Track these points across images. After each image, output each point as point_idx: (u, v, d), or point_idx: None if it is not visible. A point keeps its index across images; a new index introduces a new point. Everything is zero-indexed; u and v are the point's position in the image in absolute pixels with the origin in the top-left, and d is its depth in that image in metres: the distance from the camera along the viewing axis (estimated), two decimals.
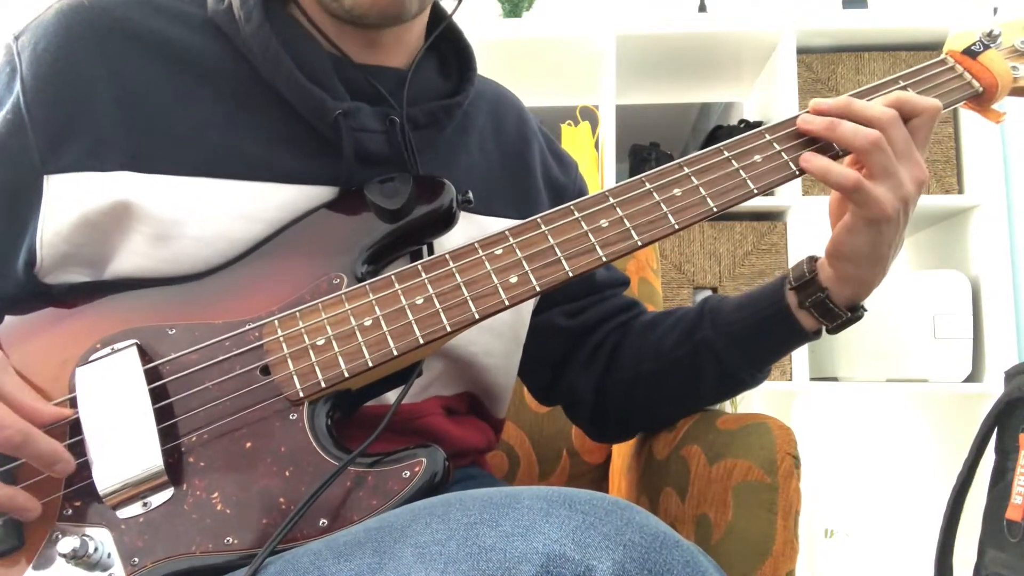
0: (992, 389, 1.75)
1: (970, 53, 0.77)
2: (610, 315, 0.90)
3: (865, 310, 0.75)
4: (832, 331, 0.76)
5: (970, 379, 1.78)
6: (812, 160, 0.68)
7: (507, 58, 2.06)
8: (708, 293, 1.93)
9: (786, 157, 0.70)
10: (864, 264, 0.71)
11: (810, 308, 0.74)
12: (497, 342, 0.79)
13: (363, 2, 0.69)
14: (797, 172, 0.70)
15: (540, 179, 0.87)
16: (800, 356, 1.83)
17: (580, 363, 0.89)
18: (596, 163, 2.07)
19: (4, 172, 0.67)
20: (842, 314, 0.74)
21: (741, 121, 2.12)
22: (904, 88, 0.73)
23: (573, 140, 2.11)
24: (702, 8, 2.12)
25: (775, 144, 0.71)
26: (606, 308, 0.90)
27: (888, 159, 0.66)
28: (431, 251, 0.71)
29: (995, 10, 1.84)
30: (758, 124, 2.05)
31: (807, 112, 0.71)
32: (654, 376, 0.84)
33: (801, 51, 1.92)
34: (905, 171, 0.67)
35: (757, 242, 1.92)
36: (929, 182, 0.69)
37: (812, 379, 1.86)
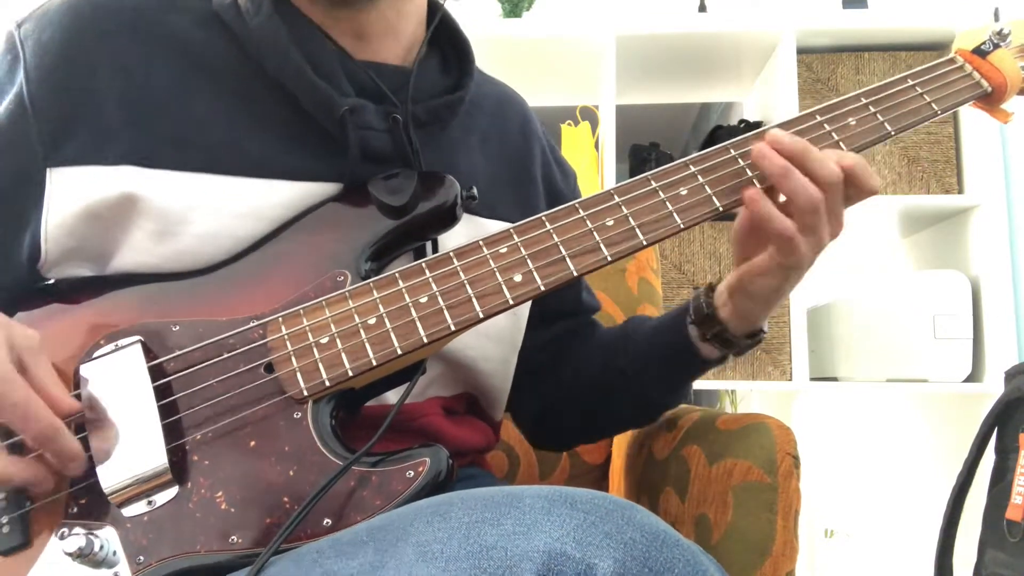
0: (992, 389, 1.75)
1: (979, 52, 0.76)
2: (565, 336, 0.91)
3: (765, 333, 0.78)
4: (735, 355, 0.79)
5: (970, 379, 1.78)
6: (758, 201, 0.68)
7: (507, 58, 2.06)
8: None
9: None
10: (766, 303, 0.73)
11: (711, 340, 0.77)
12: (495, 348, 0.80)
13: None
14: None
15: (540, 183, 0.87)
16: (800, 356, 1.83)
17: (529, 379, 0.89)
18: (596, 163, 2.07)
19: (5, 163, 0.66)
20: (739, 342, 0.76)
21: (741, 121, 2.12)
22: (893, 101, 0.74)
23: (573, 140, 2.11)
24: (702, 8, 2.12)
25: None
26: (566, 328, 0.91)
27: (819, 220, 0.67)
28: (435, 248, 0.71)
29: (996, 10, 1.84)
30: (758, 124, 2.06)
31: (764, 144, 0.68)
32: (580, 400, 0.88)
33: (801, 51, 1.92)
34: (827, 228, 0.68)
35: None
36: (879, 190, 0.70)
37: (812, 379, 1.86)
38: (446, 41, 0.83)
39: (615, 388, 0.85)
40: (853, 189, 0.68)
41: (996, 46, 0.76)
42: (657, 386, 0.84)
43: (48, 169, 0.65)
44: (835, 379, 2.05)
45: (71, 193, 0.65)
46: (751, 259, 0.72)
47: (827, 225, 0.68)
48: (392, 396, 0.69)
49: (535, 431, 0.96)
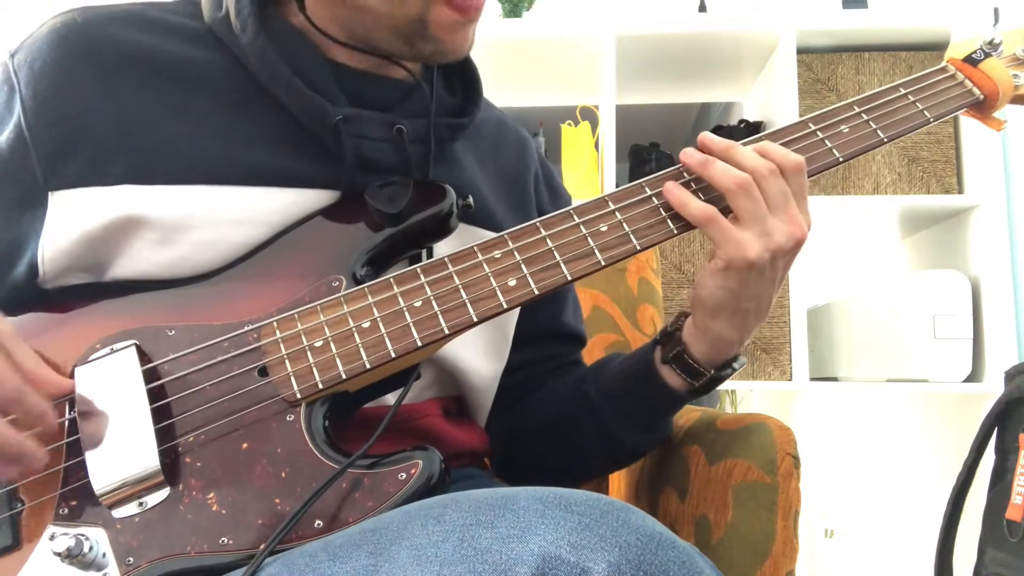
0: (992, 389, 1.75)
1: (971, 61, 0.77)
2: (534, 363, 0.88)
3: (733, 370, 0.73)
4: (697, 392, 0.73)
5: (970, 379, 1.78)
6: (673, 191, 0.68)
7: (507, 58, 2.06)
8: None
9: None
10: (722, 316, 0.69)
11: (671, 362, 0.73)
12: (484, 363, 0.80)
13: (448, 49, 0.70)
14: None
15: (534, 204, 0.87)
16: (800, 356, 1.83)
17: (501, 407, 0.86)
18: (596, 163, 2.07)
19: (8, 190, 0.67)
20: (704, 371, 0.72)
21: (741, 121, 2.12)
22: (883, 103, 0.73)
23: (573, 140, 2.11)
24: (702, 8, 2.12)
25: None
26: (534, 355, 0.88)
27: (755, 205, 0.65)
28: (431, 256, 0.71)
29: (995, 10, 1.83)
30: (758, 124, 2.05)
31: (697, 141, 0.69)
32: (544, 429, 0.83)
33: (801, 51, 1.92)
34: (778, 223, 0.66)
35: None
36: (805, 240, 0.67)
37: (812, 379, 1.86)
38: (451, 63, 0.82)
39: (580, 419, 0.80)
40: (785, 174, 0.67)
41: (987, 55, 0.77)
42: (622, 419, 0.78)
43: (50, 193, 0.66)
44: (835, 379, 2.05)
45: (71, 215, 0.66)
46: None
47: (774, 218, 0.66)
48: (391, 397, 0.69)
49: (502, 461, 0.91)
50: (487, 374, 0.81)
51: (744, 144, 0.69)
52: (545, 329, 0.88)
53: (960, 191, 1.90)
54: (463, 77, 0.83)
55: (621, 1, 2.27)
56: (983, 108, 0.78)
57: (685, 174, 0.70)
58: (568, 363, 0.90)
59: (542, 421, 0.84)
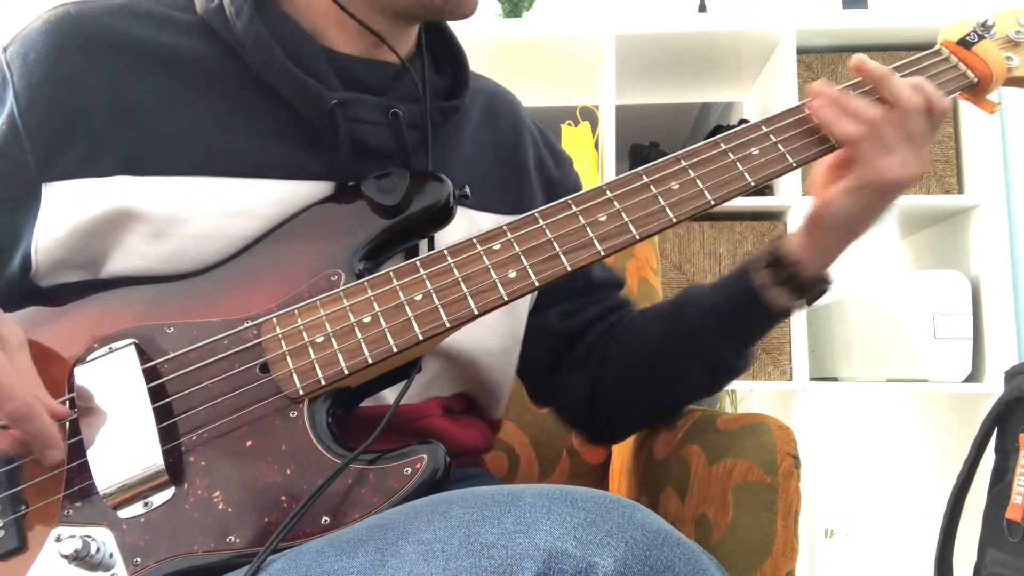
0: (992, 389, 1.75)
1: (964, 43, 0.77)
2: (603, 316, 0.90)
3: (831, 282, 0.77)
4: (805, 304, 0.77)
5: (970, 379, 1.78)
6: (820, 108, 0.71)
7: (507, 58, 2.06)
8: None
9: (783, 149, 0.71)
10: (839, 231, 0.73)
11: (784, 283, 0.75)
12: (495, 340, 0.79)
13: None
14: (794, 164, 0.70)
15: (533, 172, 0.87)
16: (800, 356, 1.83)
17: (573, 364, 0.88)
18: (596, 163, 2.07)
19: (1, 182, 0.67)
20: (811, 286, 0.75)
21: (741, 121, 2.12)
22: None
23: (573, 140, 2.11)
24: (702, 8, 2.12)
25: (772, 136, 0.71)
26: (599, 309, 0.90)
27: (896, 134, 0.69)
28: (432, 246, 0.71)
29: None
30: None
31: (852, 61, 0.73)
32: (641, 366, 0.84)
33: (801, 51, 1.92)
34: (912, 155, 0.69)
35: (757, 242, 1.92)
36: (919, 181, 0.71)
37: (812, 379, 1.86)
38: (437, 44, 0.82)
39: (682, 352, 0.81)
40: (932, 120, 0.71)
41: (981, 37, 0.77)
42: (724, 343, 0.80)
43: (44, 184, 0.66)
44: (835, 379, 2.05)
45: (64, 207, 0.65)
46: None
47: (909, 150, 0.69)
48: (390, 395, 0.69)
49: (591, 422, 0.91)
50: (500, 353, 0.80)
51: (862, 59, 0.72)
52: (583, 283, 0.89)
53: (960, 191, 1.90)
54: (450, 58, 0.83)
55: (621, 1, 2.27)
56: (977, 91, 0.78)
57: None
58: (621, 304, 0.91)
59: (635, 362, 0.84)
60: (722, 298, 0.79)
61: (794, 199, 1.86)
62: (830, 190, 0.71)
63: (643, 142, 2.20)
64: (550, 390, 0.92)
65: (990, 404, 0.83)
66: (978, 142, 1.85)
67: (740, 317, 0.78)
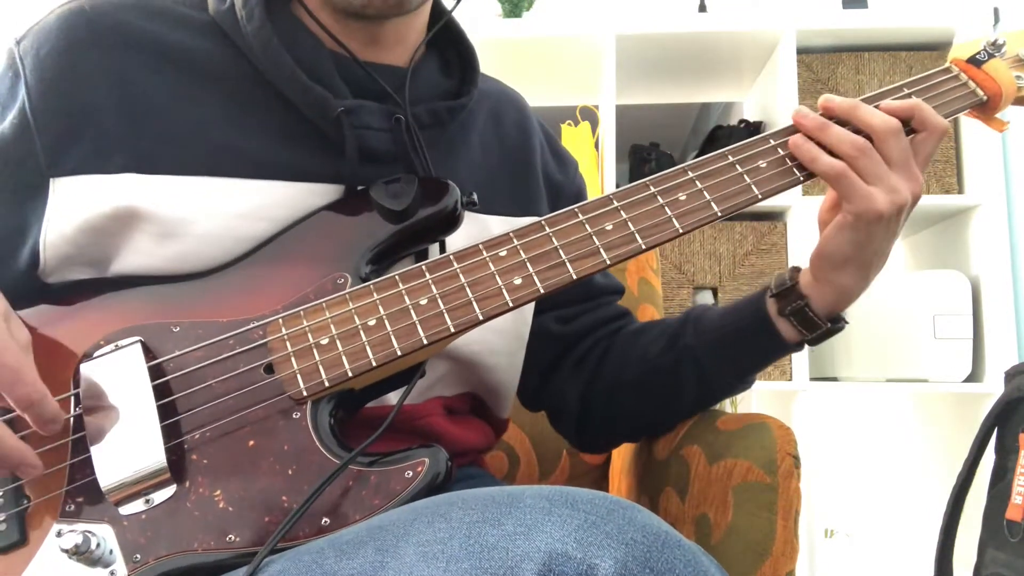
0: (992, 389, 1.75)
1: (974, 62, 0.77)
2: (601, 323, 0.90)
3: (846, 322, 0.75)
4: (812, 342, 0.76)
5: (970, 379, 1.78)
6: (802, 146, 0.70)
7: (507, 58, 2.06)
8: (708, 293, 1.94)
9: (790, 163, 0.71)
10: (847, 268, 0.71)
11: (789, 316, 0.74)
12: (500, 340, 0.80)
13: None
14: (802, 178, 0.71)
15: (540, 175, 0.87)
16: (800, 356, 1.83)
17: (568, 369, 0.89)
18: (596, 163, 2.07)
19: (11, 175, 0.67)
20: (821, 324, 0.74)
21: (741, 121, 2.12)
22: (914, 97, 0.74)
23: (573, 140, 2.11)
24: (702, 8, 2.12)
25: (779, 150, 0.71)
26: (598, 316, 0.90)
27: (876, 166, 0.67)
28: (442, 250, 0.71)
29: (995, 10, 1.84)
30: (758, 124, 2.05)
31: (820, 101, 0.72)
32: (637, 383, 0.84)
33: (801, 51, 1.92)
34: (900, 179, 0.68)
35: (757, 242, 1.92)
36: (921, 191, 0.71)
37: (812, 379, 1.86)
38: (448, 44, 0.83)
39: (679, 371, 0.81)
40: (921, 135, 0.70)
41: (991, 56, 0.77)
42: (727, 367, 0.80)
43: (52, 180, 0.66)
44: (835, 379, 2.05)
45: (72, 203, 0.66)
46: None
47: (896, 175, 0.68)
48: (394, 397, 0.69)
49: (579, 432, 0.92)
50: (505, 354, 0.81)
51: (830, 98, 0.71)
52: (582, 289, 0.89)
53: (960, 191, 1.90)
54: (460, 58, 0.83)
55: (621, 1, 2.27)
56: (986, 109, 0.78)
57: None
58: (619, 315, 0.91)
59: (631, 377, 0.84)
60: (730, 324, 0.78)
61: (794, 200, 1.86)
62: (829, 227, 0.71)
63: (643, 142, 2.20)
64: (542, 394, 0.92)
65: (990, 404, 0.83)
66: (978, 142, 1.85)
67: (747, 342, 0.78)
